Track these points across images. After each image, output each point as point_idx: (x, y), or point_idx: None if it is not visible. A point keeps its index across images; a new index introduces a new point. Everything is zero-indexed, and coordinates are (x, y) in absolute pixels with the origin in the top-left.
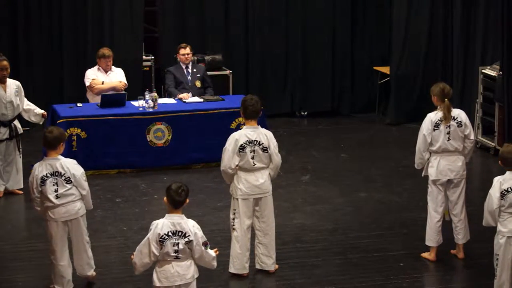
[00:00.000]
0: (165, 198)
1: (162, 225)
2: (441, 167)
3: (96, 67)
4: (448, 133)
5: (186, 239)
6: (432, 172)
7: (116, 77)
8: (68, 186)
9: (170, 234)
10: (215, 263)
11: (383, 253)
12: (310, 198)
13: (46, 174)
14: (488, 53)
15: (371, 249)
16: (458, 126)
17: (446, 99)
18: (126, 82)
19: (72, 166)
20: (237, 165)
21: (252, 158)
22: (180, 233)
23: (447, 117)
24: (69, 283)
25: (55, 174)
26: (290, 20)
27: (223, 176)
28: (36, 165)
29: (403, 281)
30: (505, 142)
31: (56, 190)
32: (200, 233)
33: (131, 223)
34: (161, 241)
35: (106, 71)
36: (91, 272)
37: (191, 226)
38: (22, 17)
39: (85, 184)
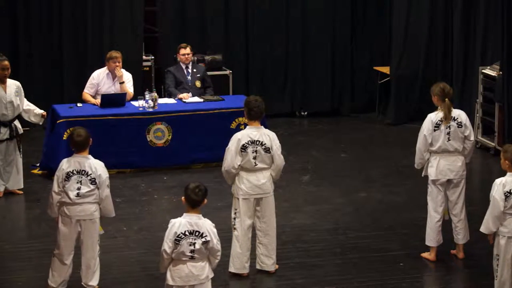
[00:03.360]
0: (183, 197)
1: (179, 224)
2: (440, 167)
3: (105, 69)
4: (448, 133)
5: (203, 239)
6: (431, 172)
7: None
8: (92, 187)
9: (187, 233)
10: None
11: (383, 253)
12: (310, 198)
13: (73, 170)
14: (488, 53)
15: (371, 249)
16: (458, 127)
17: (446, 99)
18: (132, 91)
19: (100, 168)
20: (239, 165)
21: (254, 158)
22: (197, 233)
23: (447, 117)
24: (63, 283)
25: (82, 172)
26: (290, 20)
27: (225, 176)
28: (64, 160)
29: (403, 281)
30: (505, 142)
31: (78, 189)
32: (215, 232)
33: (131, 223)
34: (177, 240)
35: (113, 77)
36: (94, 283)
37: (209, 226)
38: (22, 17)
39: (108, 189)
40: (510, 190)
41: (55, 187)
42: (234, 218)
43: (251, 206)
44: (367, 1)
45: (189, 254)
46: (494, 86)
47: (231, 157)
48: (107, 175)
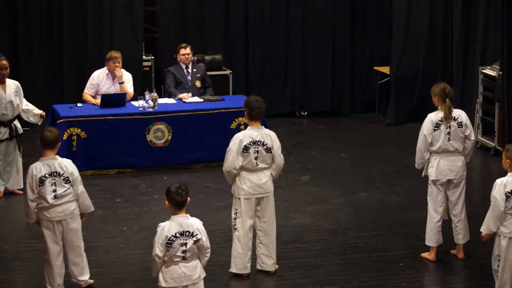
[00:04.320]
0: (166, 202)
1: (169, 227)
2: (441, 167)
3: (105, 70)
4: (449, 133)
5: (194, 238)
6: (432, 172)
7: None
8: (67, 186)
9: (177, 235)
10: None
11: (383, 253)
12: (310, 198)
13: (45, 174)
14: (488, 53)
15: (371, 249)
16: (458, 127)
17: (447, 99)
18: (132, 91)
19: (70, 166)
20: (240, 166)
21: (256, 158)
22: (187, 233)
23: (448, 117)
24: (60, 286)
25: (54, 174)
26: (290, 20)
27: (226, 176)
28: (33, 166)
29: (403, 281)
30: (505, 142)
31: (54, 191)
32: (204, 229)
33: (131, 223)
34: (169, 243)
35: (113, 77)
36: (85, 277)
37: (198, 224)
38: (22, 17)
39: (81, 185)
40: (511, 190)
41: (30, 195)
42: (235, 218)
43: (253, 206)
44: (367, 1)
45: (181, 254)
46: (494, 86)
47: (233, 158)
48: (78, 171)
